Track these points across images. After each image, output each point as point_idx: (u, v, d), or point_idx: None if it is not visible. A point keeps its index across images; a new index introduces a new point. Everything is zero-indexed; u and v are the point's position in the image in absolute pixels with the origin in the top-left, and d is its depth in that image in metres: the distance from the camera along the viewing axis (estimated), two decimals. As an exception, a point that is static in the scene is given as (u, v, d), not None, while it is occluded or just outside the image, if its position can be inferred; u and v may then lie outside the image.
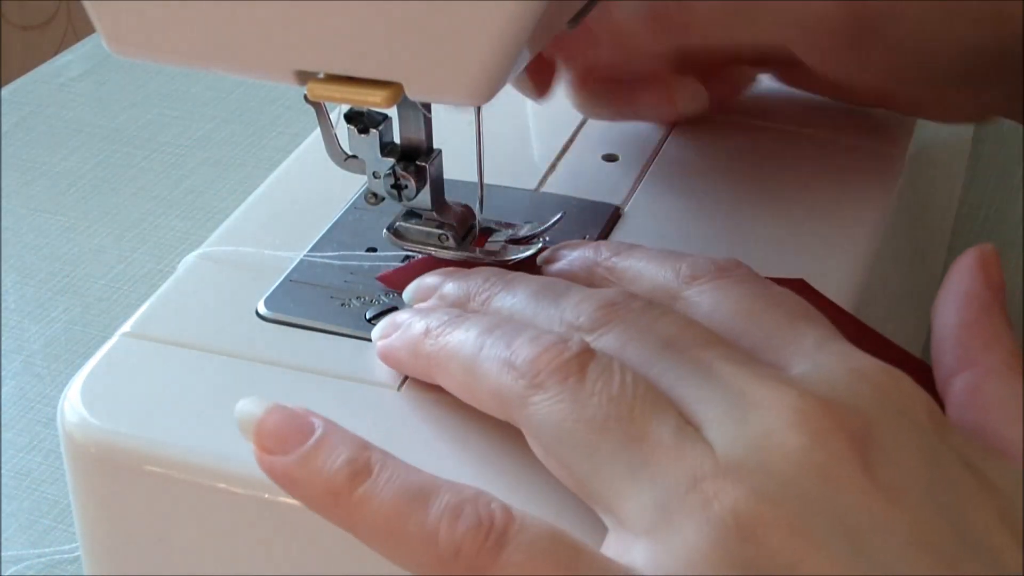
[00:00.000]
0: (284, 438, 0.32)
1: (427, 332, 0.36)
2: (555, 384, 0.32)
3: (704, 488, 0.30)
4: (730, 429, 0.31)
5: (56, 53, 0.91)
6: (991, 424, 0.33)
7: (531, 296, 0.36)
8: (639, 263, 0.37)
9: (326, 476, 0.32)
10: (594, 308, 0.35)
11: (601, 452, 0.31)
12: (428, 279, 0.39)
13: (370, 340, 0.39)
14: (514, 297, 0.36)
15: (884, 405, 0.31)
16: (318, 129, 0.41)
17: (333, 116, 0.41)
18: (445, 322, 0.36)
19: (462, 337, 0.35)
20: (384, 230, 0.42)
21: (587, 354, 0.32)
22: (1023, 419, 0.33)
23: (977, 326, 0.35)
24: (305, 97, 0.41)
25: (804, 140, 0.49)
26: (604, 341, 0.34)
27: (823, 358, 0.33)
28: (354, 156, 0.41)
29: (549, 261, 0.40)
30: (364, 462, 0.32)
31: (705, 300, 0.35)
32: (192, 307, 0.41)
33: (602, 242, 0.39)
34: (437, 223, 0.41)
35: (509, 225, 0.43)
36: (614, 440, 0.31)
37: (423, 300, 0.39)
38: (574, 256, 0.39)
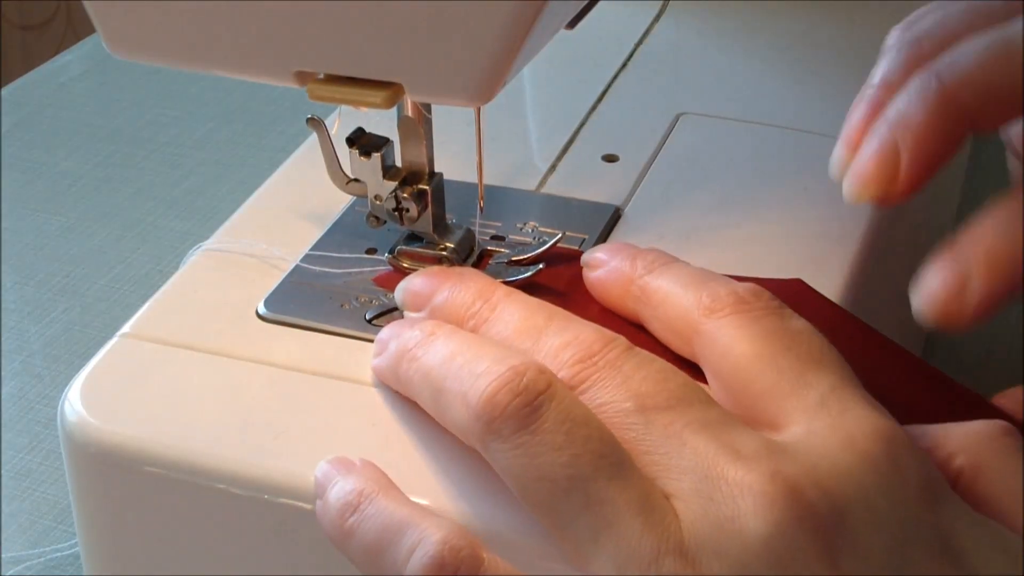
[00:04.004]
0: (320, 483, 0.35)
1: (403, 354, 0.36)
2: (512, 433, 0.32)
3: (666, 565, 0.30)
4: (698, 506, 0.30)
5: (56, 53, 0.90)
6: None
7: (513, 334, 0.36)
8: (668, 285, 0.37)
9: (331, 508, 0.34)
10: (571, 361, 0.34)
11: (562, 513, 0.31)
12: (417, 284, 0.39)
13: (370, 341, 0.39)
14: (497, 334, 0.36)
15: (865, 484, 0.31)
16: (318, 130, 0.41)
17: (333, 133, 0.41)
18: (418, 342, 0.36)
19: (430, 363, 0.35)
20: (386, 254, 0.42)
21: (543, 397, 0.32)
22: None
23: None
24: (307, 121, 0.41)
25: (804, 140, 0.49)
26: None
27: (818, 424, 0.32)
28: (356, 179, 0.41)
29: (590, 266, 0.39)
30: (357, 494, 0.34)
31: (722, 337, 0.34)
32: (191, 308, 0.41)
33: (640, 252, 0.38)
34: (439, 246, 0.41)
35: (502, 239, 0.43)
36: (577, 503, 0.31)
37: (414, 308, 0.38)
38: (612, 267, 0.38)
